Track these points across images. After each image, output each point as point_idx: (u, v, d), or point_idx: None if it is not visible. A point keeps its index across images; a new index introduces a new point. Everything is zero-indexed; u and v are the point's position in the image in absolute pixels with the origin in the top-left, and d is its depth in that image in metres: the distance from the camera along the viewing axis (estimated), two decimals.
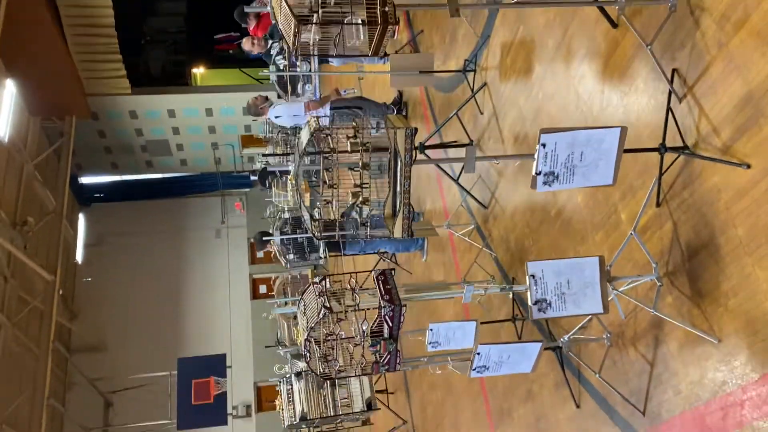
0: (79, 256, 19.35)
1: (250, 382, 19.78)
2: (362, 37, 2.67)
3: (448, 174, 6.10)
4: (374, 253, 8.05)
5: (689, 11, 3.14)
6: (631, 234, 3.44)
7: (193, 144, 20.59)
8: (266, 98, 8.54)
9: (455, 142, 6.19)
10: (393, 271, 3.23)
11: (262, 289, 20.98)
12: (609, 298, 3.45)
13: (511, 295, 5.33)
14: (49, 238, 16.96)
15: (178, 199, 21.67)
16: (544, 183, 3.11)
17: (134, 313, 19.89)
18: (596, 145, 3.04)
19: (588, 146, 3.04)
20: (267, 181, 10.51)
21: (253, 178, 18.05)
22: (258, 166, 14.22)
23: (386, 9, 2.66)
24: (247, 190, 21.90)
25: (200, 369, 17.40)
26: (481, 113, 5.89)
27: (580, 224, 4.29)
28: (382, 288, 3.05)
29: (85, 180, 20.78)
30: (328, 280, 3.19)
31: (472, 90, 5.90)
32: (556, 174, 3.09)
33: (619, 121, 3.73)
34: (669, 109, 3.23)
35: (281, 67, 8.39)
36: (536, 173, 3.05)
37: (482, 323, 5.19)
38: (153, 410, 17.62)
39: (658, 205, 3.46)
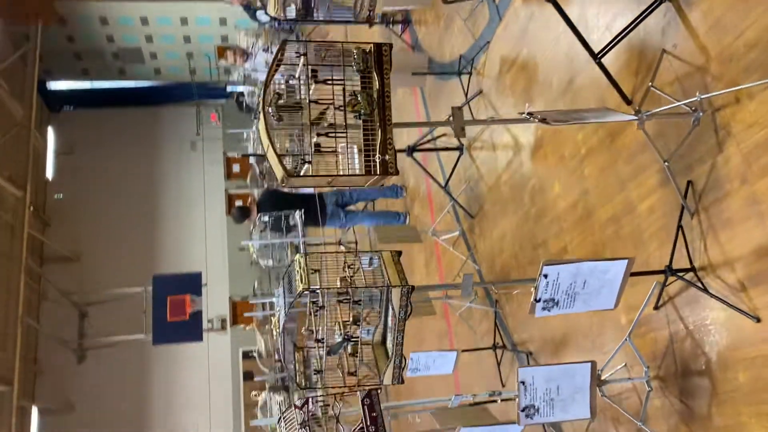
0: (49, 172, 18.85)
1: (225, 297, 19.97)
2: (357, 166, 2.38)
3: (436, 181, 5.87)
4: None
5: (714, 129, 2.89)
6: (626, 339, 3.34)
7: (168, 53, 19.66)
8: (243, 51, 8.03)
9: (443, 134, 5.92)
10: (378, 393, 3.09)
11: (238, 202, 20.74)
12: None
13: (494, 321, 5.29)
14: (17, 151, 16.41)
15: (152, 109, 20.96)
16: (543, 309, 2.96)
17: (108, 226, 19.68)
18: (600, 274, 2.88)
19: (592, 276, 2.87)
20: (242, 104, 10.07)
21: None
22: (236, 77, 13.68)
23: (387, 158, 2.34)
24: (223, 101, 21.19)
25: (175, 286, 17.49)
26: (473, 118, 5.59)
27: (579, 334, 4.17)
28: (367, 414, 2.93)
29: (54, 86, 19.89)
30: (311, 402, 3.06)
31: (466, 95, 5.57)
32: (556, 300, 2.94)
33: (623, 228, 3.54)
34: (680, 226, 3.04)
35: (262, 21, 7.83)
36: (535, 300, 2.90)
37: (463, 351, 5.17)
38: (128, 325, 17.81)
39: (656, 308, 3.34)
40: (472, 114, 5.55)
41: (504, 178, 5.10)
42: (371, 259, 2.80)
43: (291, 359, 3.00)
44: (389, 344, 2.84)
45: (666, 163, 2.97)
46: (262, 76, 7.85)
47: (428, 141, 5.90)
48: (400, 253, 2.82)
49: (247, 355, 19.27)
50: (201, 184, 20.93)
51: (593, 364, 3.33)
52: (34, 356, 17.88)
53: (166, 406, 19.04)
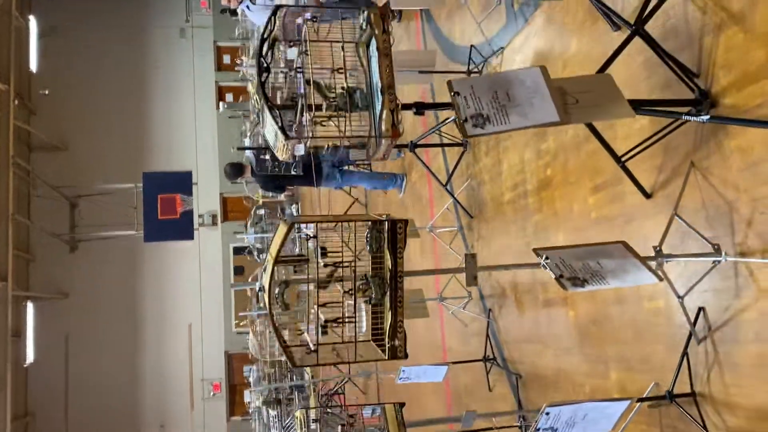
0: (33, 64, 18.09)
1: (216, 193, 20.00)
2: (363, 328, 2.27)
3: (437, 178, 5.69)
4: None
5: (734, 272, 2.78)
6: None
7: None
8: None
9: (448, 118, 5.66)
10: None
11: (229, 97, 20.23)
12: None
13: (486, 331, 5.34)
14: None
15: None
16: None
17: (95, 117, 19.25)
18: (601, 410, 2.87)
19: (593, 411, 2.87)
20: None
21: None
22: None
23: (396, 343, 2.23)
24: None
25: (166, 184, 17.39)
26: None
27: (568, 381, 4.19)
28: None
29: None
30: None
31: None
32: (555, 428, 2.96)
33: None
34: (685, 353, 3.01)
35: None
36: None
37: (453, 363, 5.26)
38: (119, 221, 17.89)
39: (651, 405, 3.37)
40: None
41: (507, 197, 4.95)
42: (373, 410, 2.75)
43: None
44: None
45: (680, 299, 2.89)
46: None
47: (435, 130, 5.68)
48: (402, 405, 2.77)
49: (237, 251, 19.56)
50: (191, 74, 20.26)
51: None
52: (26, 248, 18.07)
53: (158, 298, 19.57)
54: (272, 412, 9.17)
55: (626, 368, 3.60)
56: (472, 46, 5.41)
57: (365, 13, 2.40)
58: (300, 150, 2.42)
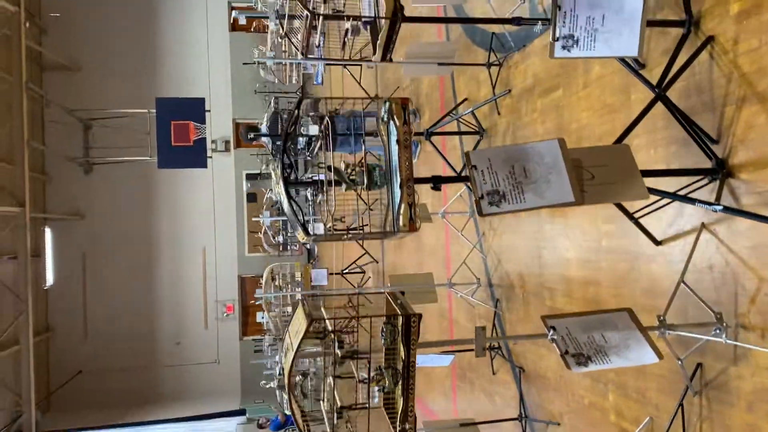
0: None
1: (228, 119, 19.93)
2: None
3: (451, 166, 5.72)
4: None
5: (734, 342, 2.89)
6: None
7: None
8: None
9: (465, 100, 5.62)
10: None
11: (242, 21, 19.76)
12: None
13: (493, 320, 5.53)
14: None
15: None
16: None
17: (108, 40, 18.97)
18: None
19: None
20: None
21: None
22: None
23: (406, 427, 2.36)
24: None
25: (179, 111, 17.32)
26: (499, 114, 5.31)
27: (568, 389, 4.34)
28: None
29: None
30: None
31: (494, 86, 5.23)
32: None
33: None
34: (681, 405, 3.17)
35: None
36: None
37: (457, 351, 5.47)
38: (133, 146, 17.97)
39: None
40: (498, 110, 5.27)
41: None
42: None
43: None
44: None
45: (680, 361, 3.01)
46: None
47: (450, 115, 5.66)
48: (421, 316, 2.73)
49: (250, 177, 19.71)
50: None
51: None
52: (41, 170, 18.28)
53: (172, 222, 19.90)
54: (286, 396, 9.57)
55: (624, 395, 3.77)
56: (493, 34, 5.30)
57: (387, 104, 2.41)
58: (320, 229, 2.51)
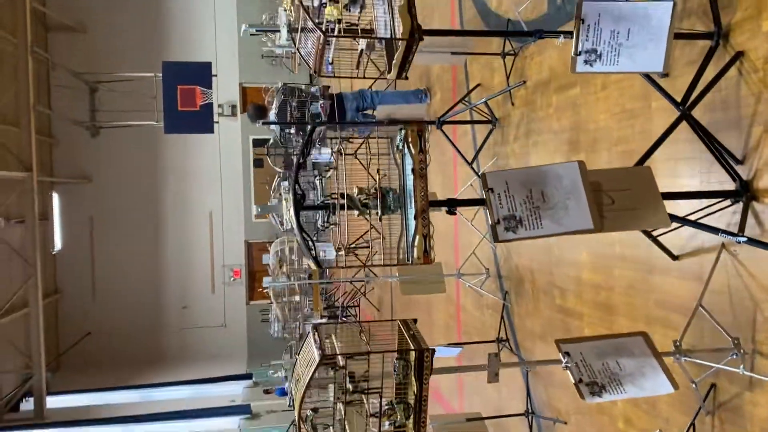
0: None
1: (235, 84, 19.72)
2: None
3: (463, 156, 5.62)
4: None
5: (751, 365, 2.84)
6: None
7: None
8: None
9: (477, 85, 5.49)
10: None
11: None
12: None
13: (501, 312, 5.50)
14: None
15: None
16: None
17: (114, 1, 18.67)
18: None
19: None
20: None
21: None
22: None
23: None
24: None
25: (185, 75, 17.13)
26: (513, 104, 5.19)
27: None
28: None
29: None
30: None
31: (508, 76, 5.09)
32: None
33: None
34: (692, 424, 3.14)
35: None
36: None
37: (465, 344, 5.46)
38: (139, 110, 17.82)
39: None
40: (511, 100, 5.15)
41: None
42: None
43: None
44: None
45: (694, 384, 2.97)
46: None
47: (463, 101, 5.54)
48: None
49: (257, 143, 19.57)
50: None
51: None
52: (48, 133, 18.21)
53: (179, 186, 19.88)
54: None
55: (634, 404, 3.75)
56: (508, 20, 5.15)
57: (402, 131, 2.32)
58: (330, 254, 2.46)
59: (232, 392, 17.13)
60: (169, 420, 14.94)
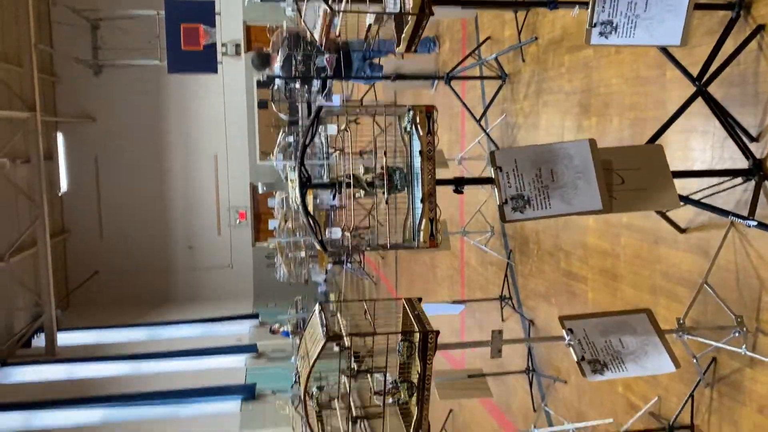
0: None
1: (239, 22, 19.33)
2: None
3: (471, 113, 5.53)
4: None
5: (753, 345, 2.86)
6: None
7: None
8: None
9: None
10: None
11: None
12: None
13: (505, 270, 5.52)
14: None
15: None
16: None
17: None
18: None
19: None
20: None
21: None
22: None
23: None
24: None
25: (188, 13, 16.81)
26: (523, 60, 5.07)
27: None
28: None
29: None
30: None
31: (519, 32, 4.96)
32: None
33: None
34: (692, 395, 3.19)
35: None
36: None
37: (468, 301, 5.50)
38: (142, 49, 17.55)
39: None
40: (522, 56, 5.03)
41: None
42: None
43: None
44: None
45: (695, 359, 3.00)
46: None
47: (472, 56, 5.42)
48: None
49: (261, 83, 19.31)
50: None
51: None
52: (50, 72, 18.00)
53: (183, 126, 19.76)
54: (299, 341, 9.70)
55: None
56: None
57: (410, 113, 2.26)
58: (336, 234, 2.45)
59: (239, 331, 17.46)
60: (176, 358, 15.28)
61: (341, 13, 2.73)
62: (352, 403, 2.48)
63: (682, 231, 3.29)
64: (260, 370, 14.81)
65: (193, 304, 19.29)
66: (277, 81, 6.32)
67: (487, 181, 2.56)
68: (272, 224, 14.84)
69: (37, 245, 15.82)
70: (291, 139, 8.22)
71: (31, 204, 15.69)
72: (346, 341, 2.36)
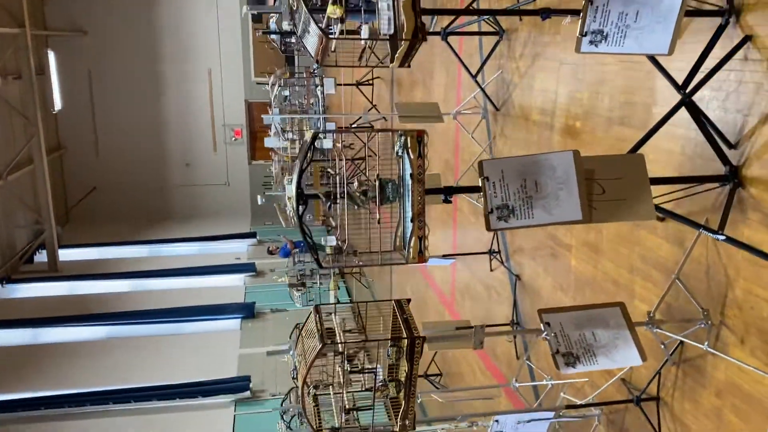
0: None
1: None
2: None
3: (468, 69, 5.54)
4: None
5: (716, 336, 3.09)
6: None
7: None
8: None
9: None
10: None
11: None
12: None
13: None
14: None
15: None
16: None
17: None
18: None
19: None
20: None
21: None
22: None
23: (406, 423, 2.56)
24: None
25: None
26: (520, 20, 5.06)
27: None
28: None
29: None
30: None
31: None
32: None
33: None
34: (659, 372, 3.45)
35: None
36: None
37: (458, 255, 5.70)
38: None
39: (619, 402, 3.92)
40: (519, 16, 5.01)
41: (534, 117, 4.94)
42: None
43: None
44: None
45: (663, 345, 3.24)
46: None
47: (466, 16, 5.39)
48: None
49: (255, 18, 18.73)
50: None
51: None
52: None
53: (177, 40, 19.40)
54: (296, 293, 9.85)
55: None
56: None
57: (402, 138, 2.35)
58: (331, 242, 2.60)
59: (237, 250, 17.83)
60: (176, 276, 15.68)
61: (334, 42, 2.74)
62: (344, 398, 2.73)
63: (661, 219, 3.45)
64: (259, 289, 15.25)
65: (192, 222, 19.57)
66: (273, 36, 6.26)
67: (475, 189, 2.69)
68: (268, 142, 14.85)
69: (34, 162, 15.89)
70: (287, 92, 8.17)
71: (26, 121, 15.63)
72: (340, 347, 2.57)
